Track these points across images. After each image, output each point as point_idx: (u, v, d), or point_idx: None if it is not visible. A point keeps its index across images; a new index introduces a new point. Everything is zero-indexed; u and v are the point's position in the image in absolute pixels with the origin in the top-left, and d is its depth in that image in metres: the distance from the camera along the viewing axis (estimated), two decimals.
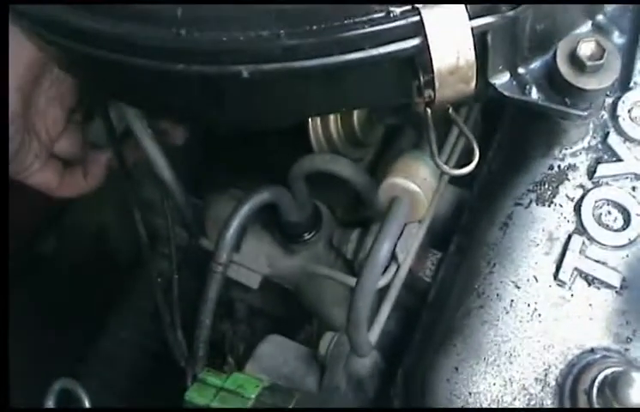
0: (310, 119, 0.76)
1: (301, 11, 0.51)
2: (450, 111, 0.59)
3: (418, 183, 0.65)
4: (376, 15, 0.52)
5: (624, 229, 0.61)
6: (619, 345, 0.57)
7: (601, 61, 0.58)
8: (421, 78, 0.55)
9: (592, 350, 0.57)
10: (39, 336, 1.21)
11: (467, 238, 0.70)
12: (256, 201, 0.74)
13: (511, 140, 0.73)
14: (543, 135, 0.66)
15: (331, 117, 0.77)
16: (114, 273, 1.25)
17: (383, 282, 0.73)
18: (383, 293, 0.74)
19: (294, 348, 0.77)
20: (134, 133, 0.75)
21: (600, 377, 0.53)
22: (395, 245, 0.73)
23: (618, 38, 0.64)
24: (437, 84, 0.54)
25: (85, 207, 1.24)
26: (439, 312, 0.67)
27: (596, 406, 0.53)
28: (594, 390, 0.53)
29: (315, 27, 0.51)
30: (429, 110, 0.59)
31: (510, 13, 0.54)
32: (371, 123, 0.80)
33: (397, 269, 0.74)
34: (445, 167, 0.59)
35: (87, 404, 0.70)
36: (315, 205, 0.81)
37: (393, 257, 0.74)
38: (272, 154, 0.85)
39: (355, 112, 0.78)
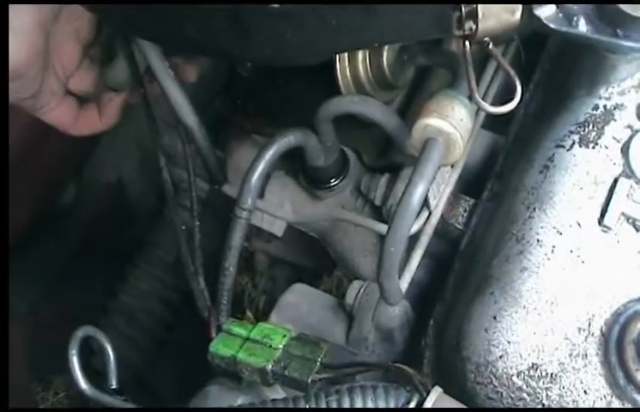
0: (337, 61, 0.72)
1: None
2: (490, 45, 0.55)
3: (454, 123, 0.62)
4: None
5: None
6: None
7: None
8: (463, 8, 0.52)
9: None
10: (62, 287, 1.21)
11: (503, 183, 0.67)
12: (282, 144, 0.71)
13: (552, 79, 0.69)
14: (588, 72, 0.62)
15: (359, 57, 0.73)
16: (133, 224, 1.24)
17: (414, 229, 0.70)
18: (413, 240, 0.71)
19: (320, 297, 0.75)
20: (155, 73, 0.72)
21: None
22: (428, 191, 0.70)
23: None
24: (480, 14, 0.51)
25: (104, 159, 1.22)
26: (473, 260, 0.64)
27: None
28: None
29: None
30: (468, 44, 0.56)
31: None
32: (401, 64, 0.75)
33: (429, 216, 0.71)
34: (486, 105, 0.55)
35: (110, 352, 0.68)
36: (342, 150, 0.78)
37: (424, 203, 0.71)
38: (298, 99, 0.82)
39: (385, 53, 0.74)
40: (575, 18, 0.56)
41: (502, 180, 0.68)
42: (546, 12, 0.56)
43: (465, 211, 0.72)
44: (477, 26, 0.51)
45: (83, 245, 1.23)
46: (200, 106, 0.82)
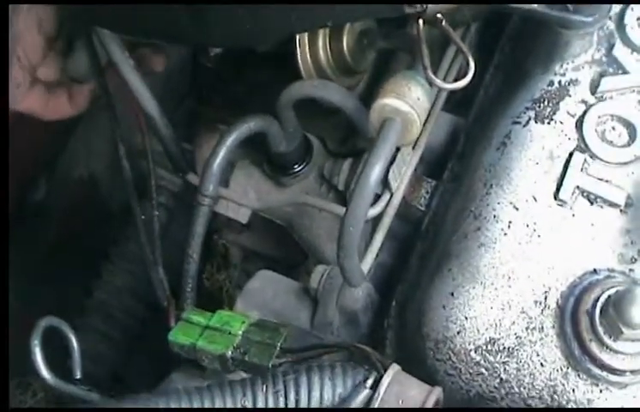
0: (298, 46, 0.72)
1: None
2: (444, 22, 0.55)
3: (410, 103, 0.62)
4: None
5: (629, 145, 0.58)
6: (623, 266, 0.54)
7: None
8: None
9: (594, 271, 0.54)
10: (36, 287, 1.20)
11: (463, 163, 0.67)
12: (242, 130, 0.71)
13: (511, 60, 0.70)
14: (543, 49, 0.63)
15: (320, 43, 0.73)
16: (106, 220, 1.23)
17: (376, 211, 0.70)
18: (376, 223, 0.71)
19: (285, 282, 0.74)
20: (115, 63, 0.72)
21: (603, 297, 0.51)
22: (388, 173, 0.70)
23: None
24: None
25: (75, 155, 1.21)
26: (434, 239, 0.64)
27: (599, 326, 0.50)
28: (597, 310, 0.50)
29: None
30: (421, 22, 0.56)
31: None
32: (361, 48, 0.75)
33: (390, 198, 0.71)
34: (438, 81, 0.55)
35: (74, 343, 0.67)
36: (304, 135, 0.78)
37: (386, 185, 0.71)
38: (264, 88, 0.81)
39: (345, 37, 0.73)
40: None
41: (462, 161, 0.68)
42: None
43: (427, 193, 0.72)
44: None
45: (57, 243, 1.23)
46: (172, 103, 0.82)
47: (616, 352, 0.50)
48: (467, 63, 0.54)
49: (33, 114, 0.79)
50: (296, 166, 0.78)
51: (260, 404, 0.52)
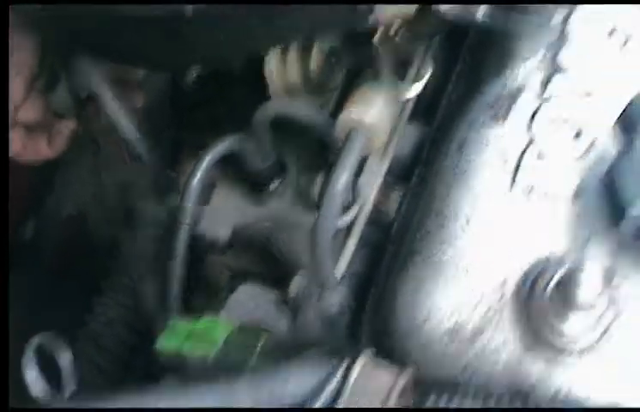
0: (268, 66, 0.76)
1: None
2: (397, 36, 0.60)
3: (373, 113, 0.66)
4: None
5: (576, 139, 0.62)
6: (575, 250, 0.57)
7: None
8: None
9: (547, 258, 0.58)
10: (28, 323, 1.22)
11: (427, 168, 0.71)
12: (219, 149, 0.75)
13: (469, 68, 0.74)
14: (496, 57, 0.67)
15: (290, 62, 0.77)
16: (95, 255, 1.26)
17: (347, 219, 0.74)
18: (349, 232, 0.75)
19: (266, 294, 0.78)
20: (97, 94, 0.76)
21: (554, 280, 0.54)
22: (357, 183, 0.74)
23: None
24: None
25: (63, 193, 1.24)
26: (401, 240, 0.67)
27: (548, 310, 0.54)
28: (547, 292, 0.54)
29: None
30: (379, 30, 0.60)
31: None
32: (329, 66, 0.80)
33: (361, 206, 0.75)
34: (394, 86, 0.59)
35: (66, 358, 0.70)
36: (279, 153, 0.82)
37: (356, 194, 0.75)
38: (241, 108, 0.85)
39: (313, 56, 0.78)
40: (474, 8, 0.61)
41: (427, 166, 0.72)
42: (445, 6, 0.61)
43: (397, 200, 0.75)
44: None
45: (47, 278, 1.25)
46: (153, 135, 0.86)
47: (564, 334, 0.53)
48: (423, 70, 0.58)
49: (12, 156, 0.81)
50: (272, 183, 0.82)
51: (236, 399, 0.55)
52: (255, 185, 0.83)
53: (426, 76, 0.59)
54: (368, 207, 0.75)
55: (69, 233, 1.26)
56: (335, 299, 0.73)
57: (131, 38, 0.62)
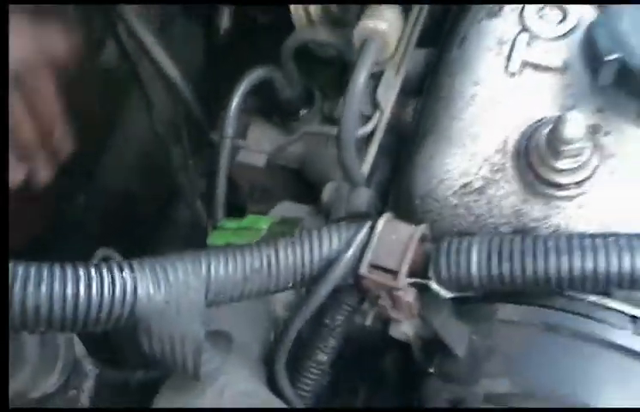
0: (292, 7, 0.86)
1: None
2: None
3: (384, 22, 0.76)
4: None
5: (562, 22, 0.70)
6: (565, 111, 0.66)
7: None
8: None
9: (541, 119, 0.66)
10: None
11: (435, 71, 0.80)
12: (252, 78, 0.85)
13: None
14: None
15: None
16: (141, 229, 1.36)
17: (369, 128, 0.83)
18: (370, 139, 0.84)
19: (300, 206, 0.87)
20: (141, 39, 0.87)
21: (546, 131, 0.63)
22: (376, 94, 0.83)
23: None
24: None
25: (110, 170, 1.35)
26: (416, 131, 0.76)
27: (544, 153, 0.62)
28: (542, 140, 0.63)
29: None
30: None
31: None
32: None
33: (381, 115, 0.84)
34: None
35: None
36: (306, 84, 0.92)
37: (375, 105, 0.84)
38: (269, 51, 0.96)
39: None
40: None
41: (435, 70, 0.81)
42: None
43: (413, 109, 0.85)
44: None
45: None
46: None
47: (560, 170, 0.62)
48: None
49: None
50: (301, 111, 0.92)
51: (279, 254, 0.64)
52: (285, 114, 0.92)
53: None
54: (386, 116, 0.84)
55: (115, 208, 1.35)
56: (363, 198, 0.82)
57: None
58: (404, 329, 0.67)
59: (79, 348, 0.68)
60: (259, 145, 0.95)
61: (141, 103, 1.06)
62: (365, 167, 0.82)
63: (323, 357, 0.71)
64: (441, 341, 0.64)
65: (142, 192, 1.35)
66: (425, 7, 0.87)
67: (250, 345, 0.71)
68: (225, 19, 0.95)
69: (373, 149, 0.83)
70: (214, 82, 0.99)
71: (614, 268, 0.56)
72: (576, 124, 0.60)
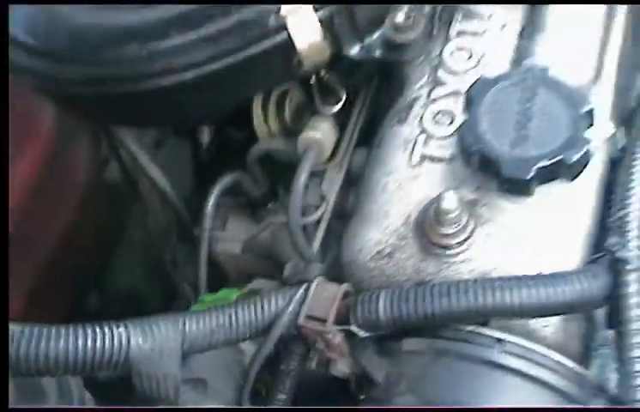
0: (254, 117, 1.09)
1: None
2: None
3: (319, 133, 0.99)
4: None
5: (450, 124, 0.92)
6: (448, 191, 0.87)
7: (410, 22, 0.92)
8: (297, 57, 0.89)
9: (437, 197, 0.87)
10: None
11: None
12: (223, 182, 1.08)
13: (387, 91, 1.05)
14: (397, 81, 0.99)
15: (270, 112, 1.10)
16: None
17: (316, 216, 1.05)
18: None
19: (273, 283, 1.08)
20: (132, 153, 1.11)
21: (433, 206, 0.84)
22: (322, 188, 1.05)
23: None
24: (302, 58, 0.88)
25: (119, 269, 1.56)
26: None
27: (433, 224, 0.83)
28: (431, 213, 0.84)
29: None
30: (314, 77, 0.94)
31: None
32: (299, 112, 1.12)
33: (326, 204, 1.06)
34: (324, 108, 0.92)
35: None
36: (270, 182, 1.14)
37: (322, 197, 1.06)
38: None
39: (287, 106, 1.10)
40: (373, 50, 0.94)
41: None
42: (354, 50, 0.94)
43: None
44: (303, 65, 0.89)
45: None
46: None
47: (444, 234, 0.83)
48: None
49: None
50: (268, 205, 1.14)
51: (237, 312, 0.84)
52: (255, 208, 1.15)
53: (343, 98, 0.91)
54: (331, 205, 1.06)
55: (126, 306, 1.55)
56: (314, 272, 1.03)
57: (149, 108, 0.96)
58: (341, 367, 0.86)
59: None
60: (235, 235, 1.17)
61: (141, 212, 1.29)
62: (315, 246, 1.03)
63: (282, 396, 0.90)
64: (367, 372, 0.83)
65: (147, 289, 1.55)
66: (362, 116, 1.10)
67: (223, 389, 0.91)
68: (206, 136, 1.18)
69: (320, 233, 1.04)
70: (200, 187, 1.22)
71: (480, 305, 0.76)
72: (449, 200, 0.81)
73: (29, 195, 1.24)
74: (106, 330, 0.77)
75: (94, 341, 0.76)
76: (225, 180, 1.08)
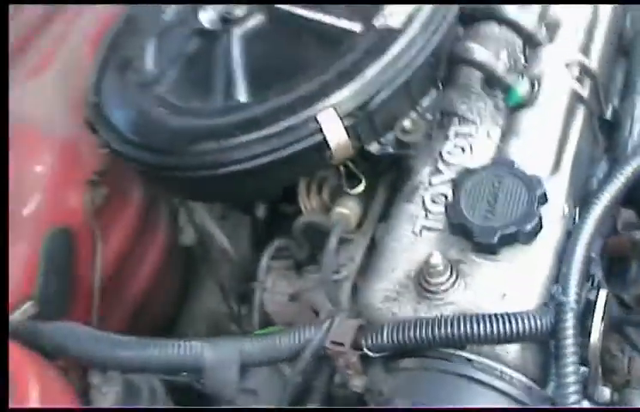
0: (299, 195, 1.42)
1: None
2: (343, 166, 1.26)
3: (346, 209, 1.30)
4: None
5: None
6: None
7: (415, 127, 1.24)
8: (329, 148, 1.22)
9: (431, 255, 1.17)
10: None
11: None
12: (272, 248, 1.40)
13: (399, 178, 1.36)
14: (407, 170, 1.30)
15: (312, 192, 1.42)
16: None
17: (345, 273, 1.35)
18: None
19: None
20: (202, 222, 1.44)
21: (426, 262, 1.14)
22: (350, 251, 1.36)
23: None
24: (332, 150, 1.20)
25: (188, 321, 1.88)
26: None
27: (426, 276, 1.13)
28: (424, 268, 1.13)
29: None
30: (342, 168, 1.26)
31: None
32: (334, 193, 1.44)
33: (352, 265, 1.36)
34: (350, 190, 1.24)
35: None
36: (312, 247, 1.45)
37: (351, 259, 1.37)
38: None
39: (324, 188, 1.42)
40: (386, 146, 1.26)
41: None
42: (373, 147, 1.26)
43: None
44: (333, 157, 1.21)
45: None
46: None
47: (433, 283, 1.12)
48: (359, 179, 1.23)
49: None
50: (310, 266, 1.45)
51: (282, 339, 1.14)
52: (299, 268, 1.46)
53: (362, 184, 1.23)
54: (356, 265, 1.36)
55: None
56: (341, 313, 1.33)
57: (219, 188, 1.30)
58: (356, 382, 1.15)
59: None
60: (283, 289, 1.48)
61: (208, 275, 1.62)
62: (344, 296, 1.33)
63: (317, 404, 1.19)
64: (375, 384, 1.12)
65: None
66: (382, 196, 1.41)
67: (268, 398, 1.21)
68: (261, 211, 1.51)
69: (348, 285, 1.34)
70: (256, 252, 1.54)
71: (457, 334, 1.04)
72: (436, 258, 1.11)
73: (121, 255, 1.60)
74: (187, 344, 1.09)
75: (178, 350, 1.08)
76: (275, 244, 1.40)
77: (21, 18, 1.79)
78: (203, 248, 1.53)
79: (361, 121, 1.22)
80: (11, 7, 1.64)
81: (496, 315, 1.04)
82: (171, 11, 1.58)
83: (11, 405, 1.00)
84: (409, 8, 1.26)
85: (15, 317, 1.32)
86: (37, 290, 1.37)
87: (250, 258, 1.50)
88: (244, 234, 1.58)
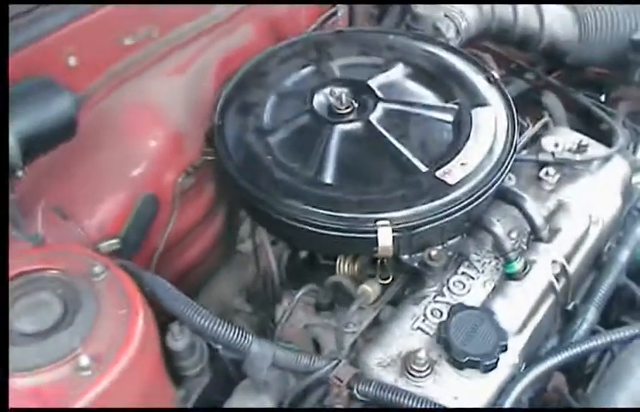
0: (338, 260, 1.89)
1: None
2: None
3: (371, 289, 1.78)
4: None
5: (440, 317, 1.71)
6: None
7: (437, 256, 1.73)
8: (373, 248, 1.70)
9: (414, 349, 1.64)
10: None
11: None
12: (308, 287, 1.87)
13: (414, 282, 1.84)
14: (421, 282, 1.79)
15: (348, 262, 1.89)
16: None
17: (354, 329, 1.83)
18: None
19: None
20: (261, 240, 1.92)
21: (412, 353, 1.61)
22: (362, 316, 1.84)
23: None
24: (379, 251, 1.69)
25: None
26: None
27: (409, 365, 1.60)
28: (410, 356, 1.61)
29: None
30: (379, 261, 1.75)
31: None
32: (362, 269, 1.91)
33: (360, 327, 1.83)
34: (379, 278, 1.72)
35: None
36: (333, 299, 1.92)
37: (360, 322, 1.84)
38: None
39: (357, 263, 1.90)
40: (414, 264, 1.74)
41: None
42: (405, 257, 1.74)
43: None
44: (378, 253, 1.69)
45: None
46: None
47: (414, 371, 1.60)
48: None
49: None
50: (327, 311, 1.92)
51: (300, 360, 1.61)
52: (318, 310, 1.93)
53: (390, 277, 1.72)
54: (362, 328, 1.83)
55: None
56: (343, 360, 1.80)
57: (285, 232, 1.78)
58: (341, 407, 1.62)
59: None
60: (301, 321, 1.93)
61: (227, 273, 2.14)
62: (347, 345, 1.81)
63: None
64: None
65: None
66: (397, 288, 1.89)
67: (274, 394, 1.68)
68: (305, 253, 1.99)
69: (353, 339, 1.82)
70: (288, 279, 2.02)
71: (417, 408, 1.52)
72: (421, 354, 1.59)
73: (183, 233, 2.07)
74: (244, 332, 1.56)
75: (236, 332, 1.55)
76: (309, 286, 1.88)
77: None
78: (255, 258, 2.01)
79: (404, 238, 1.70)
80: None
81: (446, 408, 1.52)
82: (291, 80, 2.07)
83: (123, 322, 1.46)
84: (468, 170, 1.76)
85: (103, 246, 1.78)
86: (122, 234, 1.74)
87: (279, 280, 1.97)
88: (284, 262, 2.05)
